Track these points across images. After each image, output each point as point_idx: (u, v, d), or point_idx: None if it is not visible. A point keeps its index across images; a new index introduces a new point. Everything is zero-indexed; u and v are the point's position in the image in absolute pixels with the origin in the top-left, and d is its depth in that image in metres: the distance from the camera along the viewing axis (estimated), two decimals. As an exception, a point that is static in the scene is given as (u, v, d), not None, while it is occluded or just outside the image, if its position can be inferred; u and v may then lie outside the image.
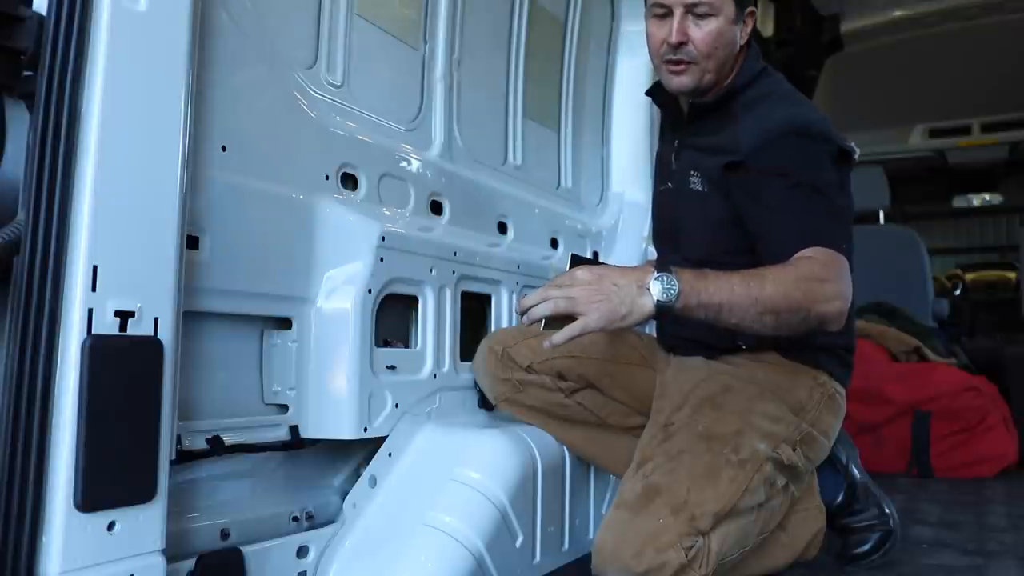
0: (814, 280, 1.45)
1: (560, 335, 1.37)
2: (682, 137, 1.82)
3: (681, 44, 1.66)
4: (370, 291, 1.62)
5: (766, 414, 1.62)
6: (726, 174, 1.66)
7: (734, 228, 1.69)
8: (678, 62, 1.68)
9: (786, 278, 1.43)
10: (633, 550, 1.45)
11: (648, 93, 1.97)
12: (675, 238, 1.83)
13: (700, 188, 1.73)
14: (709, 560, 1.48)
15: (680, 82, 1.71)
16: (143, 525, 1.16)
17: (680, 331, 1.84)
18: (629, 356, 1.90)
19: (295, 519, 1.64)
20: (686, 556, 1.44)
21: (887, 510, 1.89)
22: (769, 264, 1.50)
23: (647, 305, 1.35)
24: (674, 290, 1.35)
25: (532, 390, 1.87)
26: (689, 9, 1.65)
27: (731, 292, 1.39)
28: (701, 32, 1.66)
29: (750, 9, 1.73)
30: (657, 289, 1.35)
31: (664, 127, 1.97)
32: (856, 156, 1.69)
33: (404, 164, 1.89)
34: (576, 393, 1.88)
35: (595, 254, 2.65)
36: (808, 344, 1.69)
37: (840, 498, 1.88)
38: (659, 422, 1.68)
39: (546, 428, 1.87)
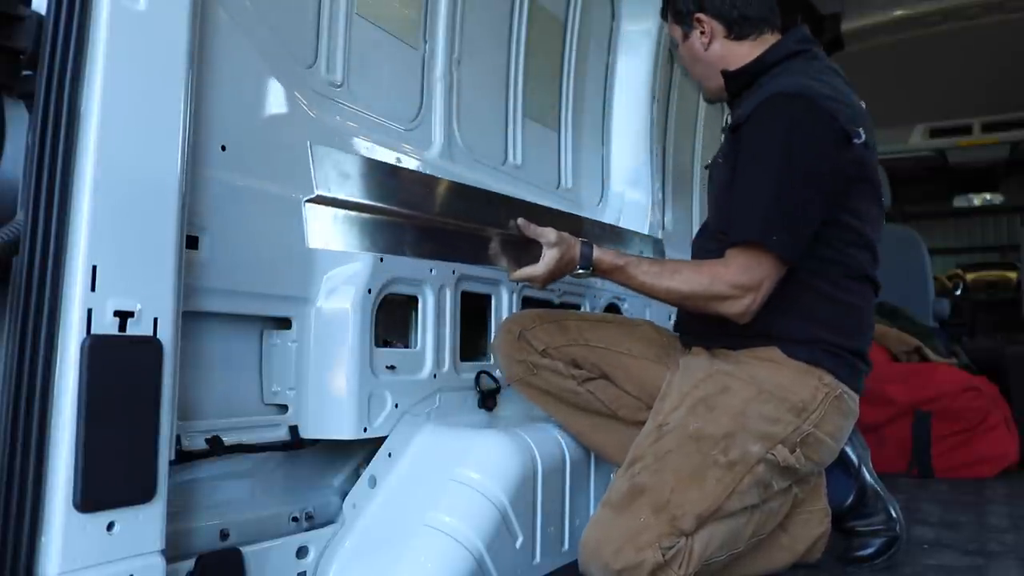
0: (712, 292, 1.63)
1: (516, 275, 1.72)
2: (730, 120, 1.92)
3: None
4: (370, 291, 1.61)
5: (762, 415, 1.62)
6: (732, 138, 1.73)
7: (724, 206, 1.72)
8: None
9: (687, 287, 1.65)
10: (613, 548, 1.47)
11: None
12: (709, 213, 1.91)
13: (720, 162, 1.82)
14: (691, 561, 1.48)
15: (703, 97, 2.02)
16: (142, 525, 1.15)
17: (686, 319, 1.88)
18: (645, 352, 1.91)
19: (295, 519, 1.63)
20: (663, 556, 1.45)
21: (894, 515, 1.89)
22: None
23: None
24: (588, 272, 1.70)
25: (545, 374, 1.88)
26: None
27: (629, 282, 1.70)
28: (683, 59, 1.96)
29: (695, 16, 1.83)
30: (579, 271, 1.71)
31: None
32: (857, 140, 1.66)
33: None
34: (589, 382, 1.89)
35: None
36: (811, 343, 1.69)
37: (850, 500, 1.87)
38: (655, 422, 1.68)
39: (556, 414, 1.89)
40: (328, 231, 1.43)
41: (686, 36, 1.87)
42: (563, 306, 2.45)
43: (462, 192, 1.60)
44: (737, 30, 1.81)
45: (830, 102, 1.63)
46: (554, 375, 1.88)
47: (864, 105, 1.76)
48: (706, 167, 1.98)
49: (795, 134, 1.61)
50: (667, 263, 1.74)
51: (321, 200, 1.38)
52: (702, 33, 1.83)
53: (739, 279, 1.60)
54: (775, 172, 1.60)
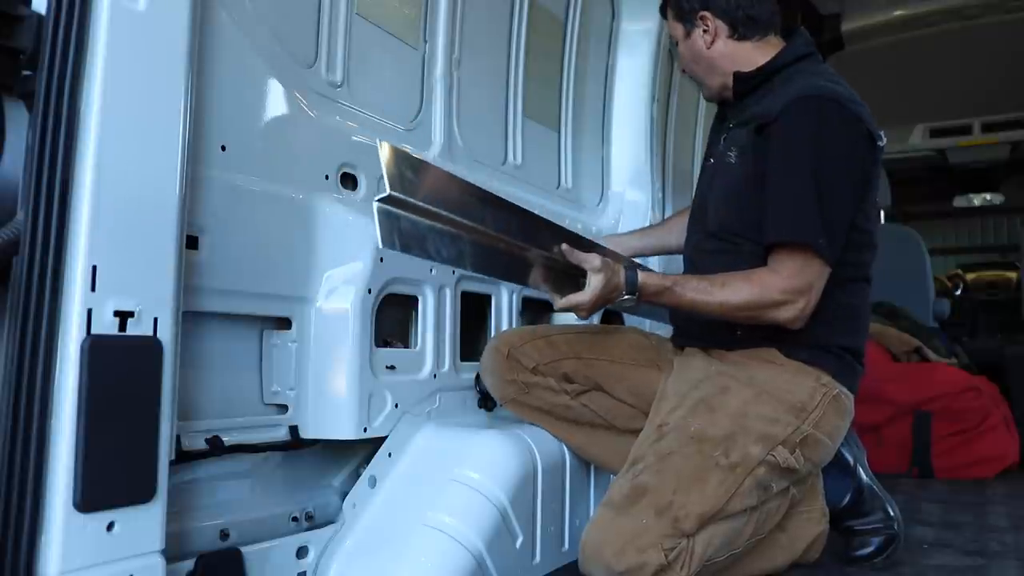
0: (764, 301, 1.61)
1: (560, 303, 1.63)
2: (732, 117, 1.89)
3: (684, 71, 2.02)
4: (370, 291, 1.61)
5: (762, 416, 1.62)
6: (755, 137, 1.70)
7: (738, 205, 1.72)
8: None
9: (739, 298, 1.63)
10: (614, 549, 1.47)
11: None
12: (704, 212, 1.86)
13: (732, 161, 1.78)
14: (692, 562, 1.48)
15: (703, 95, 2.02)
16: (142, 525, 1.15)
17: (684, 320, 1.87)
18: (636, 357, 1.90)
19: (295, 519, 1.63)
20: (666, 558, 1.45)
21: (892, 513, 1.89)
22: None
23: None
24: (633, 298, 1.63)
25: (538, 392, 1.86)
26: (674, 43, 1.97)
27: (679, 302, 1.66)
28: (682, 55, 1.94)
29: (700, 14, 1.83)
30: (625, 296, 1.63)
31: (718, 115, 2.03)
32: (880, 143, 1.71)
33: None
34: (582, 395, 1.87)
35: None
36: (810, 343, 1.69)
37: (847, 500, 1.87)
38: (655, 423, 1.68)
39: (551, 430, 1.86)
40: (394, 234, 1.34)
41: (688, 34, 1.86)
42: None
43: (514, 211, 1.55)
44: (741, 30, 1.81)
45: (855, 105, 1.66)
46: (547, 392, 1.86)
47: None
48: (707, 161, 1.96)
49: (830, 136, 1.62)
50: (713, 277, 1.66)
51: (393, 201, 1.29)
52: (705, 31, 1.83)
53: (790, 284, 1.60)
54: (815, 174, 1.60)
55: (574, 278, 1.61)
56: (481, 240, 1.46)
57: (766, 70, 1.79)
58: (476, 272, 1.57)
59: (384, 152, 1.27)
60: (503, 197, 1.54)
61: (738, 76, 1.82)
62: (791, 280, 1.60)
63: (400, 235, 1.32)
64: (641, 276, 1.64)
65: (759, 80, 1.80)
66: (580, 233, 1.73)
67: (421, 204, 1.32)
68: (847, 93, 1.68)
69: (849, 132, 1.64)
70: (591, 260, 1.59)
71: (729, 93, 1.87)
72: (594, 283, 1.58)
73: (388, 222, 1.30)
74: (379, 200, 1.28)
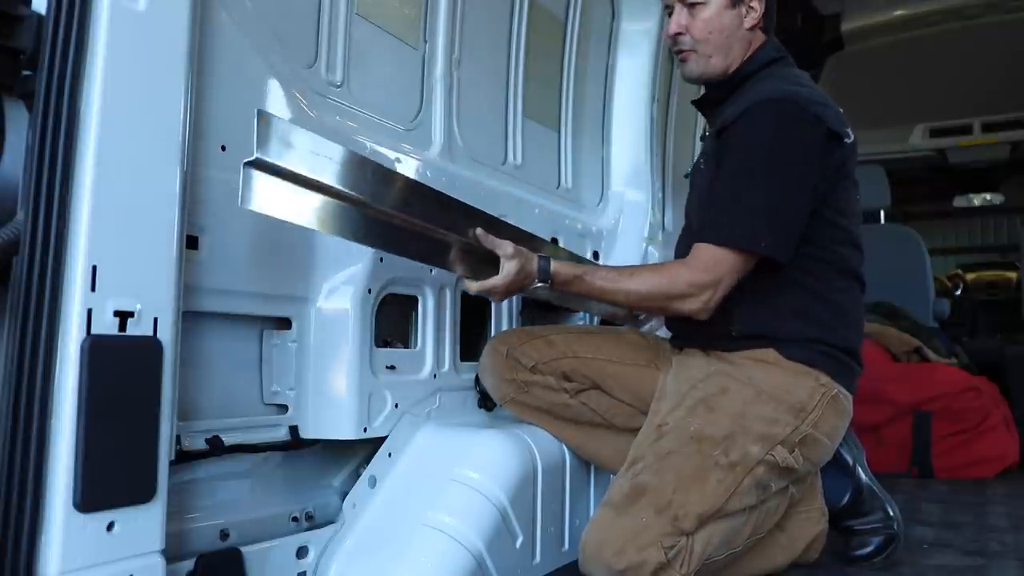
0: (670, 292, 1.65)
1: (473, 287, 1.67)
2: (709, 125, 1.91)
3: (678, 35, 1.79)
4: (370, 291, 1.62)
5: (761, 416, 1.62)
6: (716, 142, 1.72)
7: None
8: (679, 51, 1.82)
9: (645, 288, 1.67)
10: (614, 548, 1.48)
11: (694, 103, 2.03)
12: (689, 220, 1.91)
13: (702, 167, 1.83)
14: (691, 560, 1.49)
15: (686, 69, 1.83)
16: (142, 525, 1.15)
17: (680, 322, 1.86)
18: (635, 357, 1.90)
19: (295, 519, 1.64)
20: (665, 556, 1.46)
21: (892, 513, 1.89)
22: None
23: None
24: (546, 286, 1.68)
25: (537, 391, 1.86)
26: (684, 3, 1.78)
27: (590, 290, 1.70)
28: (695, 21, 1.77)
29: None
30: (538, 284, 1.68)
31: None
32: (847, 140, 1.71)
33: (404, 164, 1.89)
34: (581, 394, 1.87)
35: (595, 254, 2.65)
36: (807, 344, 1.69)
37: (846, 500, 1.88)
38: (654, 423, 1.68)
39: (550, 428, 1.87)
40: (271, 199, 1.30)
41: (727, 5, 1.76)
42: (562, 307, 2.45)
43: (419, 191, 1.54)
44: (769, 21, 1.82)
45: (817, 106, 1.66)
46: (545, 391, 1.86)
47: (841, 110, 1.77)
48: (686, 176, 1.99)
49: (782, 137, 1.62)
50: (624, 268, 1.75)
51: (260, 165, 1.26)
52: (750, 9, 1.78)
53: (698, 278, 1.62)
54: (764, 174, 1.61)
55: (490, 263, 1.65)
56: (374, 216, 1.44)
57: (734, 79, 1.80)
58: (370, 246, 1.54)
59: (258, 116, 1.25)
60: (413, 178, 1.55)
61: (710, 86, 1.83)
62: (700, 274, 1.62)
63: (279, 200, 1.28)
64: (554, 264, 1.67)
65: (731, 86, 1.80)
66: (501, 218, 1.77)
67: (297, 172, 1.29)
68: (810, 95, 1.68)
69: (804, 134, 1.63)
70: (504, 247, 1.63)
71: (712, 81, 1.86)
72: (507, 269, 1.63)
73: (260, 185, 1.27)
74: (247, 163, 1.27)
